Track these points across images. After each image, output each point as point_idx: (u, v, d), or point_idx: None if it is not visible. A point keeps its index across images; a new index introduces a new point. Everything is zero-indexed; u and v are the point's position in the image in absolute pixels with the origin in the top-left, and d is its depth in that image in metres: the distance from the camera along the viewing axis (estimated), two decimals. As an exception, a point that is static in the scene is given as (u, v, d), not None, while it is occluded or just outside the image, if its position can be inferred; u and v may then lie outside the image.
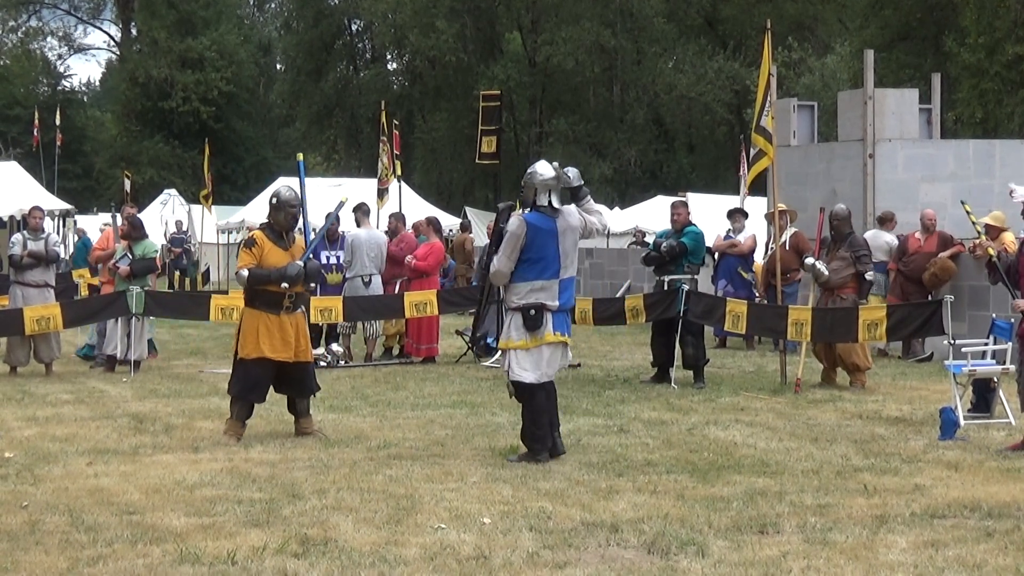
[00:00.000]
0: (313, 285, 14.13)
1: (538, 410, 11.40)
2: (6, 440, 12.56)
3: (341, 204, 14.13)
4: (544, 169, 11.54)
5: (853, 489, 10.08)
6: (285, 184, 14.23)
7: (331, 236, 20.52)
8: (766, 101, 17.02)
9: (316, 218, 15.84)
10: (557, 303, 11.42)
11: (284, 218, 12.80)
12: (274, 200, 12.84)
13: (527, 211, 11.59)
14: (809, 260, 17.25)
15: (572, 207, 11.75)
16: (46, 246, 18.93)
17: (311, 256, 12.91)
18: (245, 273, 12.50)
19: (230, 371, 13.16)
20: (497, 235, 12.36)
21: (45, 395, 16.08)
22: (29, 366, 18.67)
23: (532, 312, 11.28)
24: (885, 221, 20.95)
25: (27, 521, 9.01)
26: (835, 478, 10.56)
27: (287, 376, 12.78)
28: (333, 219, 14.85)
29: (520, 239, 11.31)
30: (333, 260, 20.27)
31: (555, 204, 11.49)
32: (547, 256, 11.36)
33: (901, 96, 23.21)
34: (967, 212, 13.56)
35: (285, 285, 12.47)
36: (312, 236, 13.35)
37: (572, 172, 12.02)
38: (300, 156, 14.04)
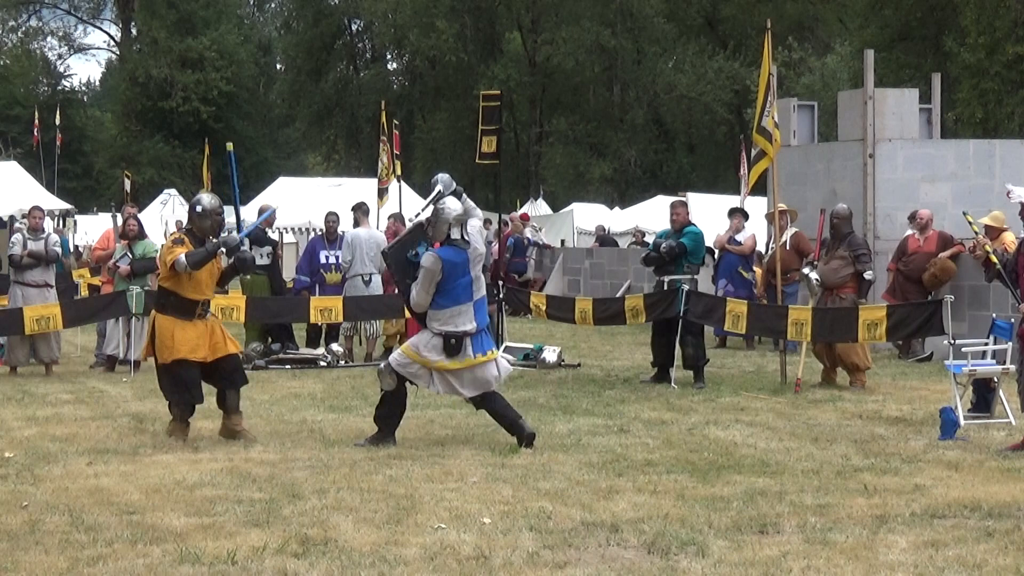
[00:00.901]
0: (245, 275, 14.05)
1: (395, 404, 12.29)
2: (6, 440, 12.56)
3: (272, 211, 14.21)
4: (453, 205, 12.16)
5: (853, 489, 10.08)
6: (207, 192, 14.12)
7: (330, 236, 20.51)
8: (767, 102, 17.01)
9: (317, 219, 15.80)
10: (474, 325, 12.16)
11: (210, 226, 12.79)
12: (198, 207, 12.79)
13: (438, 246, 12.21)
14: (804, 270, 17.35)
15: (475, 224, 12.34)
16: (46, 246, 18.94)
17: (241, 245, 12.97)
18: (184, 259, 12.25)
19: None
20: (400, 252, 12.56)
21: (45, 395, 16.08)
22: (29, 366, 18.68)
23: (452, 341, 12.04)
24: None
25: (27, 521, 9.01)
26: (835, 478, 10.56)
27: (213, 371, 12.65)
28: (269, 215, 14.87)
29: (436, 274, 11.99)
30: (332, 260, 20.28)
31: (466, 236, 12.17)
32: (460, 285, 12.08)
33: (901, 96, 23.19)
34: (969, 222, 13.58)
35: (223, 253, 12.68)
36: (243, 227, 13.50)
37: (444, 179, 12.49)
38: (230, 146, 14.05)
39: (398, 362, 12.32)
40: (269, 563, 7.91)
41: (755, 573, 7.72)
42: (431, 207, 12.27)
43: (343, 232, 20.87)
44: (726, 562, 7.93)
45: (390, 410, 12.37)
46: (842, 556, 8.05)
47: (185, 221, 13.36)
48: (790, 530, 8.73)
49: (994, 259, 12.25)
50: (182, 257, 12.31)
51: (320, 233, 20.99)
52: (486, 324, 12.44)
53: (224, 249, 12.67)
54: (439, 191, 12.24)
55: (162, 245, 12.92)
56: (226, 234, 12.79)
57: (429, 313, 12.12)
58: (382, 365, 12.71)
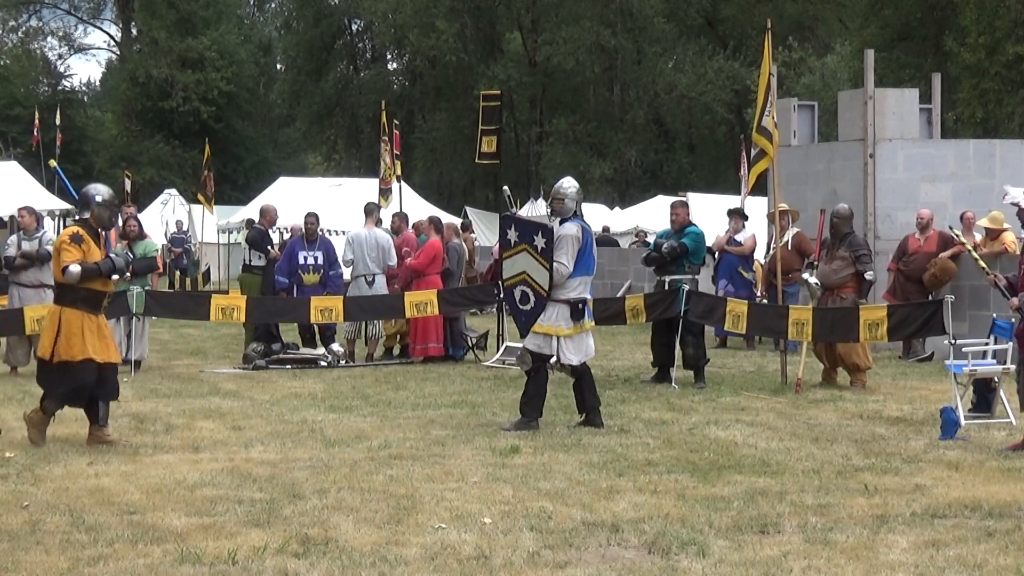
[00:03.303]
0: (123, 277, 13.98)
1: (542, 382, 13.28)
2: (7, 440, 12.55)
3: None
4: (572, 182, 13.68)
5: (854, 489, 10.09)
6: (95, 183, 13.84)
7: (309, 237, 20.44)
8: (767, 102, 17.01)
9: (327, 219, 15.81)
10: (590, 295, 13.49)
11: (109, 217, 12.76)
12: (99, 198, 12.66)
13: (568, 220, 13.38)
14: (804, 275, 17.38)
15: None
16: (39, 246, 18.91)
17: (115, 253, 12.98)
18: (77, 269, 12.12)
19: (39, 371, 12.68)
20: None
21: (45, 395, 16.05)
22: (29, 366, 18.67)
23: (580, 306, 13.19)
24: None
25: (28, 521, 9.01)
26: (836, 478, 10.56)
27: (99, 378, 12.44)
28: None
29: (580, 242, 13.18)
30: (311, 261, 20.22)
31: (580, 213, 13.62)
32: (590, 255, 13.33)
33: (901, 96, 23.19)
34: (956, 235, 13.73)
35: (116, 277, 12.68)
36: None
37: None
38: (53, 162, 13.98)
39: (533, 343, 13.25)
40: (270, 563, 7.91)
41: (756, 573, 7.72)
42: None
43: (322, 232, 20.90)
44: (727, 562, 7.94)
45: (536, 391, 13.29)
46: (843, 556, 8.06)
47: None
48: (791, 530, 8.73)
49: (983, 264, 12.37)
50: (76, 267, 12.13)
51: (300, 234, 20.94)
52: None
53: (117, 277, 12.77)
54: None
55: (57, 237, 12.70)
56: (119, 249, 12.64)
57: (562, 283, 13.09)
58: (519, 354, 13.93)
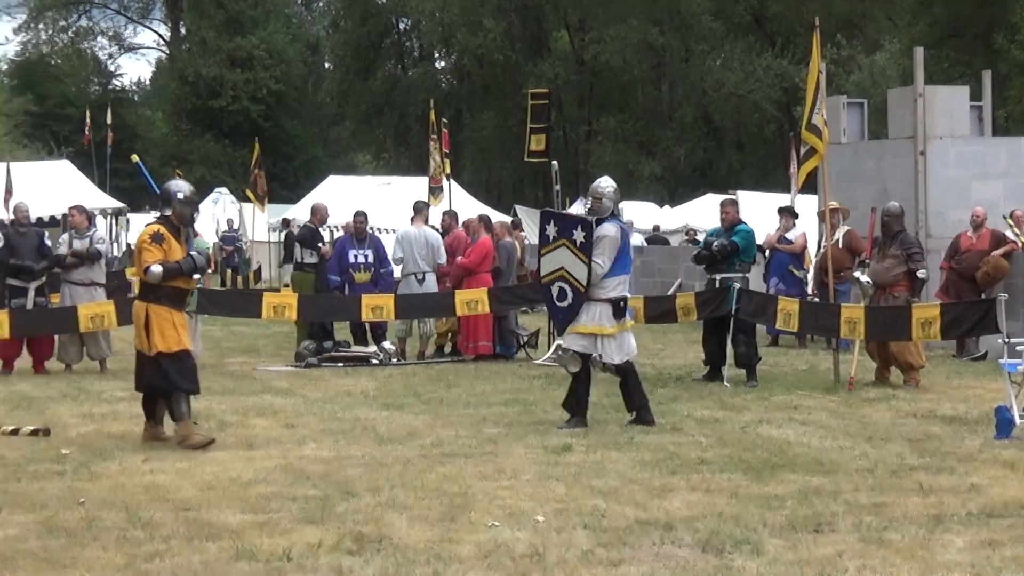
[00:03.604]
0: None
1: (588, 381, 13.37)
2: (63, 437, 12.65)
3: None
4: (610, 182, 13.76)
5: (908, 488, 10.04)
6: (176, 180, 13.76)
7: (358, 235, 20.49)
8: (816, 99, 16.95)
9: (376, 218, 15.84)
10: (628, 294, 13.50)
11: (190, 213, 12.85)
12: (180, 195, 12.66)
13: (606, 220, 13.39)
14: (855, 273, 17.31)
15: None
16: (90, 244, 19.01)
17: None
18: (159, 269, 12.18)
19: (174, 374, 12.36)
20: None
21: (100, 392, 16.20)
22: (83, 363, 18.80)
23: (621, 304, 13.24)
24: None
25: (84, 517, 9.07)
26: (890, 477, 10.51)
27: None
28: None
29: (618, 242, 13.21)
30: (360, 259, 20.27)
31: (618, 213, 13.89)
32: (627, 255, 13.42)
33: (951, 93, 23.08)
34: (1010, 224, 13.56)
35: (197, 276, 12.84)
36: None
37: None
38: (135, 157, 13.90)
39: (577, 343, 13.26)
40: (324, 560, 7.94)
41: (810, 572, 7.69)
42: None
43: (370, 231, 20.95)
44: (781, 561, 7.92)
45: (583, 391, 13.40)
46: (898, 555, 8.02)
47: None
48: (845, 529, 8.70)
49: None
50: (158, 267, 12.20)
51: (349, 233, 20.99)
52: None
53: (198, 276, 12.98)
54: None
55: (138, 237, 12.65)
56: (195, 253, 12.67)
57: (599, 283, 13.12)
58: (560, 353, 14.04)
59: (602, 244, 13.11)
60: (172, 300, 12.38)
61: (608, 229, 13.22)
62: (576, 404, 13.37)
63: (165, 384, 12.23)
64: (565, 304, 13.27)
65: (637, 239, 32.42)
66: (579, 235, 13.12)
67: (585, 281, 13.02)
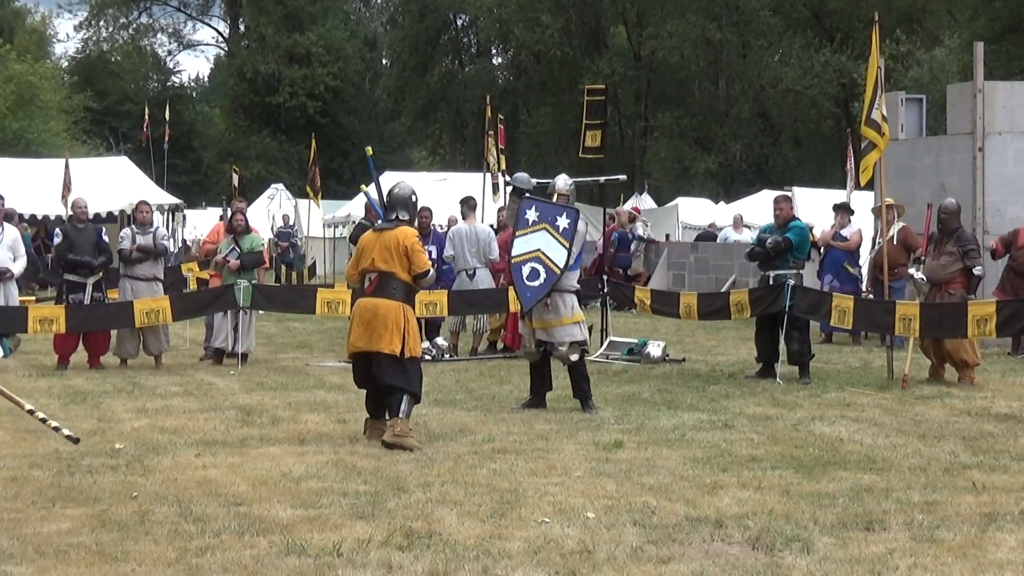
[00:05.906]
0: None
1: (584, 365, 14.33)
2: (117, 431, 12.73)
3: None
4: (570, 180, 14.83)
5: (961, 486, 9.97)
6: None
7: (423, 231, 20.49)
8: (875, 95, 16.85)
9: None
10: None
11: (420, 224, 12.97)
12: (414, 198, 12.66)
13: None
14: (911, 270, 17.24)
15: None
16: (154, 240, 19.12)
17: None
18: (433, 274, 12.59)
19: (408, 372, 12.16)
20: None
21: (154, 387, 16.29)
22: (138, 359, 18.93)
23: (582, 292, 14.45)
24: None
25: (137, 511, 9.13)
26: (943, 475, 10.44)
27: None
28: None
29: (583, 238, 14.36)
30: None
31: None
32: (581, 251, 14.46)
33: (1011, 89, 22.89)
34: None
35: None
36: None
37: (523, 177, 15.39)
38: (369, 150, 13.78)
39: (581, 333, 14.13)
40: (374, 555, 7.96)
41: (861, 570, 7.65)
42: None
43: (434, 227, 20.94)
44: (831, 559, 7.88)
45: (586, 374, 14.30)
46: (950, 554, 7.96)
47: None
48: (897, 527, 8.65)
49: None
50: (433, 273, 12.63)
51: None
52: None
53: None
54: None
55: (405, 240, 12.27)
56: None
57: (569, 274, 13.93)
58: (570, 350, 14.12)
59: (576, 237, 13.93)
60: (411, 302, 12.43)
61: (580, 226, 14.06)
62: (588, 391, 14.18)
63: (407, 385, 12.05)
64: (536, 284, 13.74)
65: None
66: (563, 222, 13.83)
67: (563, 265, 13.65)
